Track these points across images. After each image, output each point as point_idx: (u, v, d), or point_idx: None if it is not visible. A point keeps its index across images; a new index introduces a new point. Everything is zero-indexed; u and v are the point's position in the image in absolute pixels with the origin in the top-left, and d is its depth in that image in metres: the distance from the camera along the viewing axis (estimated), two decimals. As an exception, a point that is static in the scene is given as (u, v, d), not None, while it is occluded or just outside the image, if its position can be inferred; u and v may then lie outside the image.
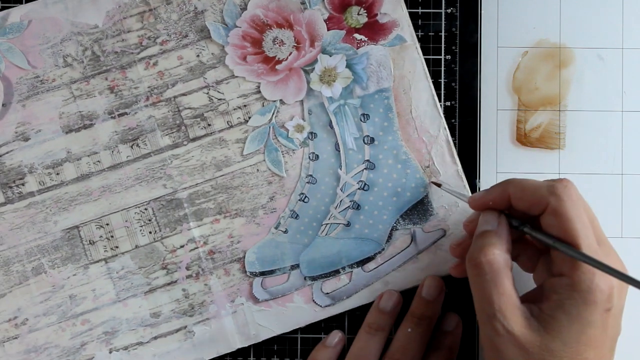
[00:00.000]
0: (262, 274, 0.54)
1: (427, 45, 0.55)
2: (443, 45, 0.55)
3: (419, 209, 0.54)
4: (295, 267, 0.54)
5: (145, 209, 0.53)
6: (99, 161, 0.53)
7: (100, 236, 0.53)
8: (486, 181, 0.55)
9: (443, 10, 0.55)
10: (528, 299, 0.44)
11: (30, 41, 0.53)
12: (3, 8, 0.54)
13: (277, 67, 0.53)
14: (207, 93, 0.54)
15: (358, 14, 0.54)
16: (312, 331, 0.54)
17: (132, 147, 0.53)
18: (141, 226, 0.53)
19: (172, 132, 0.54)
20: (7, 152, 0.53)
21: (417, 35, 0.54)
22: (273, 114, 0.54)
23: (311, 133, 0.54)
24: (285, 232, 0.54)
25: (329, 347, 0.53)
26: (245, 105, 0.54)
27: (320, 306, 0.54)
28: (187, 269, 0.53)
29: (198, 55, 0.54)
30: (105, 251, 0.53)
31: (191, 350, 0.53)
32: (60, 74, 0.53)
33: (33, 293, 0.53)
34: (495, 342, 0.42)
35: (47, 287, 0.53)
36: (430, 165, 0.54)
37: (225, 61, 0.53)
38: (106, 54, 0.53)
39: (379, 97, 0.54)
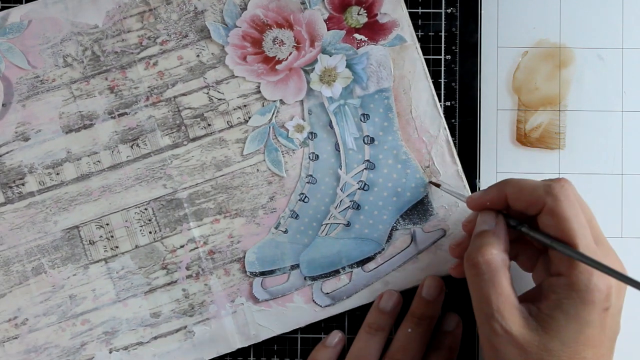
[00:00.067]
0: (262, 274, 0.54)
1: (427, 45, 0.55)
2: (443, 45, 0.55)
3: (419, 209, 0.54)
4: (295, 267, 0.54)
5: (145, 209, 0.53)
6: (99, 161, 0.53)
7: (100, 236, 0.53)
8: (486, 181, 0.55)
9: (443, 10, 0.55)
10: (527, 299, 0.44)
11: (30, 41, 0.53)
12: (3, 8, 0.54)
13: (277, 67, 0.53)
14: (207, 93, 0.54)
15: (358, 14, 0.54)
16: (312, 331, 0.54)
17: (132, 147, 0.53)
18: (141, 226, 0.53)
19: (172, 132, 0.54)
20: (7, 152, 0.53)
21: (417, 35, 0.54)
22: (273, 114, 0.54)
23: (311, 133, 0.54)
24: (285, 232, 0.54)
25: (329, 347, 0.53)
26: (245, 105, 0.54)
27: (320, 306, 0.54)
28: (187, 269, 0.53)
29: (198, 55, 0.54)
30: (105, 251, 0.53)
31: (191, 350, 0.53)
32: (60, 74, 0.53)
33: (33, 293, 0.53)
34: (493, 342, 0.42)
35: (47, 287, 0.53)
36: (430, 165, 0.54)
37: (225, 61, 0.54)
38: (106, 54, 0.53)
39: (379, 97, 0.54)
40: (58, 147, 0.53)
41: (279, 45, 0.53)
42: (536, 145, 0.56)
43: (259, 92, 0.54)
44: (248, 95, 0.54)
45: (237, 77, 0.54)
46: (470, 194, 0.53)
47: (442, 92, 0.55)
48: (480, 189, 0.54)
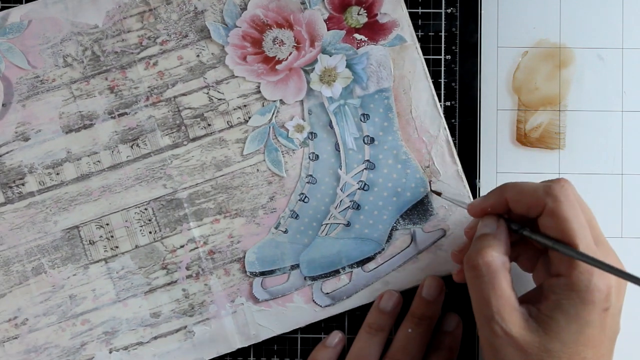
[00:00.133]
0: (262, 274, 0.54)
1: (427, 45, 0.55)
2: (443, 45, 0.55)
3: (419, 209, 0.54)
4: (295, 267, 0.54)
5: (145, 209, 0.53)
6: (99, 161, 0.53)
7: (100, 236, 0.53)
8: (486, 181, 0.55)
9: (443, 10, 0.55)
10: (527, 300, 0.44)
11: (30, 41, 0.53)
12: (3, 8, 0.54)
13: (277, 67, 0.53)
14: (207, 93, 0.54)
15: (358, 14, 0.54)
16: (312, 331, 0.54)
17: (132, 147, 0.53)
18: (141, 226, 0.53)
19: (172, 132, 0.54)
20: (7, 152, 0.53)
21: (417, 35, 0.54)
22: (273, 114, 0.54)
23: (311, 133, 0.54)
24: (285, 232, 0.54)
25: (329, 348, 0.53)
26: (245, 105, 0.54)
27: (320, 306, 0.54)
28: (187, 269, 0.53)
29: (198, 55, 0.54)
30: (105, 251, 0.53)
31: (191, 350, 0.53)
32: (60, 74, 0.53)
33: (33, 293, 0.53)
34: (494, 344, 0.42)
35: (47, 287, 0.53)
36: (430, 165, 0.54)
37: (225, 61, 0.54)
38: (106, 54, 0.53)
39: (379, 97, 0.54)
40: (58, 147, 0.53)
41: (279, 45, 0.53)
42: (536, 145, 0.56)
43: (259, 92, 0.54)
44: (248, 95, 0.54)
45: (237, 77, 0.54)
46: (471, 198, 0.54)
47: (442, 92, 0.55)
48: (480, 189, 0.55)
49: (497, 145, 0.56)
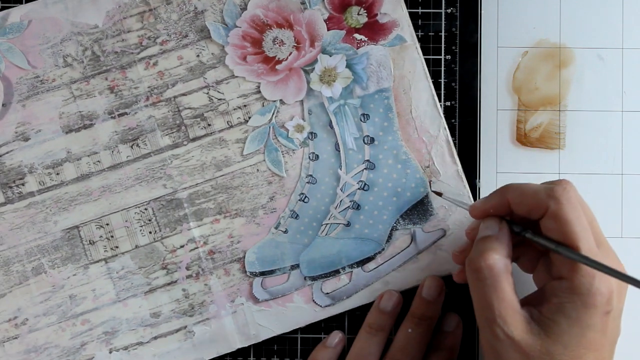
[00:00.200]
0: (262, 274, 0.54)
1: (427, 45, 0.55)
2: (443, 45, 0.55)
3: (419, 209, 0.54)
4: (295, 267, 0.54)
5: (145, 209, 0.53)
6: (99, 161, 0.53)
7: (100, 236, 0.53)
8: (486, 181, 0.55)
9: (443, 10, 0.55)
10: (529, 302, 0.44)
11: (30, 41, 0.53)
12: (3, 8, 0.54)
13: (277, 67, 0.53)
14: (207, 93, 0.54)
15: (358, 14, 0.54)
16: (312, 331, 0.54)
17: (132, 147, 0.53)
18: (141, 226, 0.53)
19: (172, 132, 0.54)
20: (7, 152, 0.53)
21: (417, 35, 0.54)
22: (273, 114, 0.54)
23: (311, 133, 0.54)
24: (285, 232, 0.54)
25: (329, 348, 0.53)
26: (245, 105, 0.54)
27: (320, 306, 0.54)
28: (187, 269, 0.53)
29: (198, 55, 0.54)
30: (105, 251, 0.53)
31: (191, 350, 0.53)
32: (60, 74, 0.53)
33: (33, 293, 0.53)
34: (495, 347, 0.42)
35: (47, 287, 0.53)
36: (430, 165, 0.54)
37: (225, 61, 0.53)
38: (106, 54, 0.53)
39: (379, 97, 0.54)
40: (58, 147, 0.53)
41: (279, 45, 0.53)
42: (536, 145, 0.56)
43: (259, 92, 0.54)
44: (248, 95, 0.54)
45: (237, 77, 0.54)
46: (471, 198, 0.53)
47: (442, 92, 0.55)
48: (481, 189, 0.55)
49: (497, 145, 0.56)
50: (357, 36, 0.54)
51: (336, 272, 0.54)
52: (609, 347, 0.43)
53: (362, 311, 0.54)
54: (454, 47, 0.55)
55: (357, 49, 0.54)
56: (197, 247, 0.53)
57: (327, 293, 0.54)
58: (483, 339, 0.44)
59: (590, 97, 0.56)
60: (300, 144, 0.54)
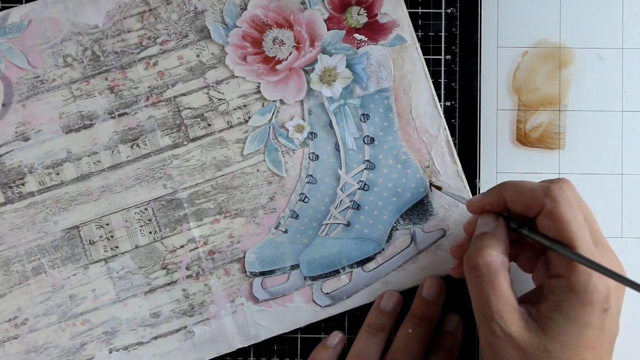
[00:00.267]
0: (262, 274, 0.54)
1: (427, 45, 0.55)
2: (443, 45, 0.55)
3: (419, 209, 0.54)
4: (295, 267, 0.54)
5: (145, 209, 0.53)
6: (99, 161, 0.53)
7: (100, 236, 0.53)
8: (486, 181, 0.55)
9: (443, 10, 0.55)
10: (527, 300, 0.44)
11: (30, 41, 0.53)
12: (3, 8, 0.54)
13: (277, 67, 0.53)
14: (207, 93, 0.54)
15: (358, 14, 0.54)
16: (312, 331, 0.54)
17: (132, 147, 0.53)
18: (141, 226, 0.53)
19: (172, 132, 0.54)
20: (7, 152, 0.53)
21: (417, 35, 0.54)
22: (273, 114, 0.54)
23: (311, 133, 0.54)
24: (285, 232, 0.54)
25: (329, 348, 0.53)
26: (245, 105, 0.54)
27: (320, 306, 0.54)
28: (187, 269, 0.53)
29: (198, 55, 0.54)
30: (105, 251, 0.53)
31: (191, 350, 0.53)
32: (60, 74, 0.53)
33: (33, 293, 0.53)
34: (493, 343, 0.42)
35: (47, 287, 0.53)
36: (430, 165, 0.54)
37: (225, 61, 0.53)
38: (106, 54, 0.53)
39: (379, 97, 0.54)
40: (58, 147, 0.53)
41: (279, 45, 0.53)
42: (536, 145, 0.56)
43: (259, 92, 0.54)
44: (248, 95, 0.54)
45: (237, 77, 0.54)
46: (470, 196, 0.53)
47: (442, 92, 0.55)
48: (480, 189, 0.55)
49: (497, 145, 0.56)
50: (357, 36, 0.54)
51: (336, 272, 0.54)
52: (607, 345, 0.43)
53: (362, 311, 0.54)
54: (454, 47, 0.55)
55: (357, 49, 0.54)
56: (197, 247, 0.53)
57: (327, 293, 0.54)
58: (481, 336, 0.44)
59: (590, 97, 0.56)
60: (300, 144, 0.54)
